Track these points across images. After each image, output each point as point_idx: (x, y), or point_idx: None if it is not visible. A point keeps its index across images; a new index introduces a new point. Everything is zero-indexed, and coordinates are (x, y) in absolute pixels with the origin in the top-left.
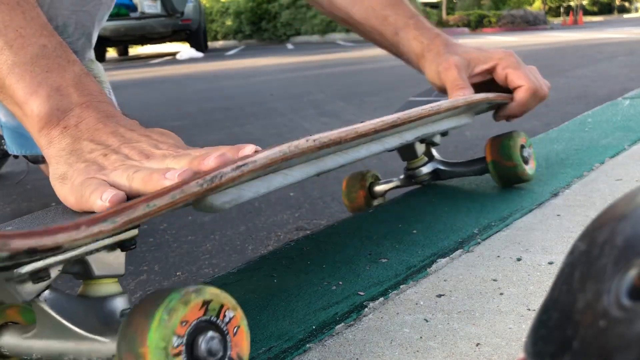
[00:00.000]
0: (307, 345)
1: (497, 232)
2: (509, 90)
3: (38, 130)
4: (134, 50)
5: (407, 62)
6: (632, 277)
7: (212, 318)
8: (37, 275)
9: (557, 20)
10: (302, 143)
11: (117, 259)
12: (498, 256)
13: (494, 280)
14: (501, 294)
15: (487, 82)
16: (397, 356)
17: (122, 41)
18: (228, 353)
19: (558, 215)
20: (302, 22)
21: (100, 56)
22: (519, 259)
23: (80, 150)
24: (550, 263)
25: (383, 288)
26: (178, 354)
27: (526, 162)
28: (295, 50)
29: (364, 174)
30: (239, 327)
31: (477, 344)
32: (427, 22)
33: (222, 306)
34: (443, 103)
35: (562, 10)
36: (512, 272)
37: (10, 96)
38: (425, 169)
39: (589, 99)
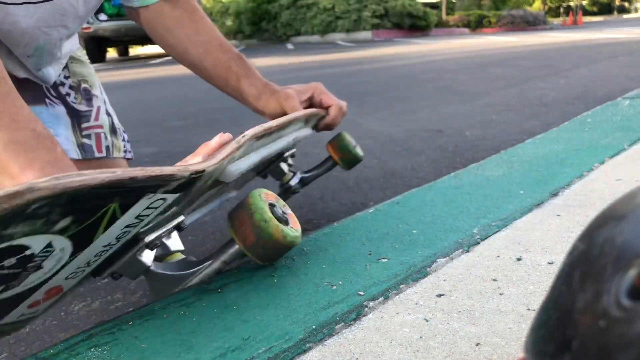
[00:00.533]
0: (307, 344)
1: (496, 232)
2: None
3: None
4: (134, 50)
5: (247, 103)
6: (631, 277)
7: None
8: (153, 244)
9: (556, 21)
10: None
11: (176, 238)
12: (498, 256)
13: (494, 280)
14: (501, 293)
15: (307, 107)
16: (397, 356)
17: (122, 41)
18: (289, 223)
19: (558, 215)
20: (302, 22)
21: (101, 56)
22: (518, 259)
23: None
24: (550, 263)
25: (383, 288)
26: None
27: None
28: (295, 50)
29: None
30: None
31: (477, 344)
32: (258, 73)
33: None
34: (290, 115)
35: (561, 10)
36: (511, 272)
37: (3, 169)
38: (294, 181)
39: (589, 99)
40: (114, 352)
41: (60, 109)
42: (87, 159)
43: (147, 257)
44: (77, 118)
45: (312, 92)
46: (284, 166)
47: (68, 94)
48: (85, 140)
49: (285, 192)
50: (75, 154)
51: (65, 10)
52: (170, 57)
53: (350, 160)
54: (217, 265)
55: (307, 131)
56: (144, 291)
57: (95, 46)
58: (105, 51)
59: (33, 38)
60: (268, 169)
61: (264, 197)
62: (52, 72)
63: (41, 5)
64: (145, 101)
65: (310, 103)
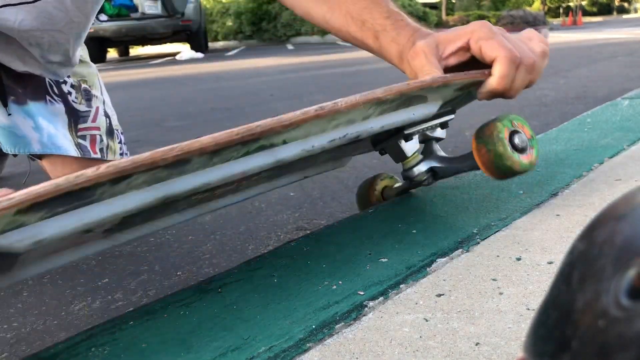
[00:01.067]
0: (307, 344)
1: (496, 231)
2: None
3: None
4: (135, 50)
5: (391, 62)
6: (631, 277)
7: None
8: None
9: (556, 21)
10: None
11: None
12: (497, 256)
13: (494, 279)
14: (501, 293)
15: (469, 62)
16: (396, 355)
17: (122, 42)
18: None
19: (557, 215)
20: (302, 22)
21: (101, 57)
22: (518, 259)
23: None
24: (550, 263)
25: (383, 287)
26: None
27: (520, 150)
28: (295, 50)
29: (377, 177)
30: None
31: (477, 344)
32: (405, 19)
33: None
34: (398, 86)
35: (561, 10)
36: (511, 272)
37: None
38: (419, 169)
39: (588, 99)
40: (114, 352)
41: (60, 107)
42: (85, 158)
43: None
44: (74, 118)
45: (467, 39)
46: (405, 146)
47: (70, 93)
48: (80, 141)
49: (407, 180)
50: (75, 152)
51: (52, 15)
52: (170, 58)
53: (501, 168)
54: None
55: (427, 109)
56: (144, 291)
57: (96, 46)
58: (105, 51)
59: (34, 39)
60: (384, 143)
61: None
62: (64, 70)
63: (22, 7)
64: (145, 101)
65: (466, 56)
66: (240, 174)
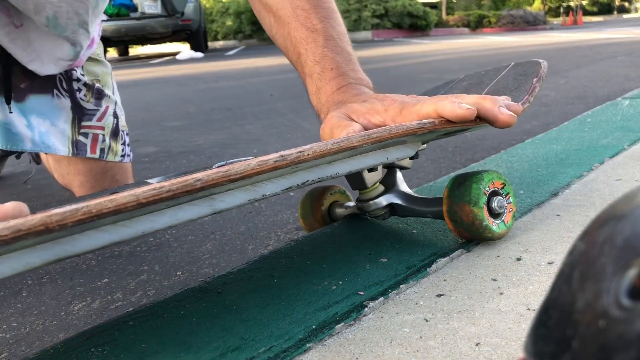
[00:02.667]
0: (307, 344)
1: None
2: None
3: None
4: (134, 50)
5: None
6: (631, 277)
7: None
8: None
9: (556, 21)
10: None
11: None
12: (498, 256)
13: (494, 280)
14: (501, 293)
15: None
16: (396, 356)
17: (122, 41)
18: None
19: (558, 215)
20: None
21: None
22: (518, 259)
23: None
24: (550, 263)
25: (383, 288)
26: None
27: (495, 215)
28: None
29: (326, 189)
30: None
31: (477, 344)
32: (337, 67)
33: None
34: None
35: (561, 10)
36: (511, 272)
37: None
38: (377, 203)
39: (589, 99)
40: (114, 352)
41: (66, 102)
42: (76, 157)
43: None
44: (79, 115)
45: (381, 120)
46: (367, 175)
47: (79, 90)
48: (80, 138)
49: (361, 210)
50: (65, 149)
51: None
52: (169, 57)
53: (469, 232)
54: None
55: (411, 151)
56: (144, 291)
57: None
58: (105, 51)
59: (39, 7)
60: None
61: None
62: (83, 50)
63: None
64: (145, 101)
65: None
66: (165, 228)
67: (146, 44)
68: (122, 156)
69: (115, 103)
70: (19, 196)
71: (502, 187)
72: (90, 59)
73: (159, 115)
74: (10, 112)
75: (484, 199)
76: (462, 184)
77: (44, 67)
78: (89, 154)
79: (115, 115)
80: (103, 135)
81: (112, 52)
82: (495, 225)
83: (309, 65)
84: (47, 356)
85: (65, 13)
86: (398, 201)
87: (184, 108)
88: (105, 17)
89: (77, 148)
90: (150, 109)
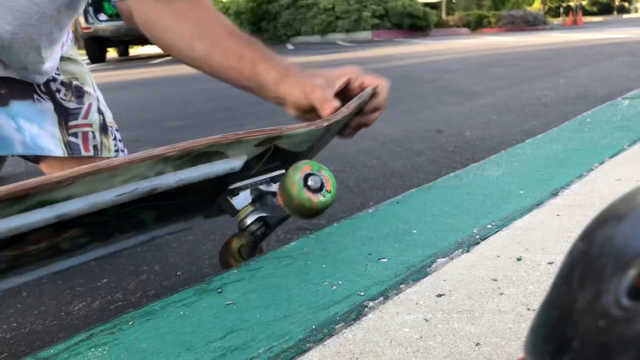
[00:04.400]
0: (307, 344)
1: (496, 232)
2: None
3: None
4: (134, 50)
5: (267, 91)
6: (631, 277)
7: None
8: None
9: (556, 21)
10: None
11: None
12: (498, 256)
13: (494, 280)
14: (501, 293)
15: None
16: (396, 355)
17: (122, 41)
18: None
19: (558, 215)
20: (302, 22)
21: (101, 57)
22: (518, 259)
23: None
24: (550, 263)
25: (383, 288)
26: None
27: (315, 190)
28: (295, 50)
29: (233, 237)
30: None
31: (477, 344)
32: (277, 56)
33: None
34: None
35: (561, 10)
36: (511, 272)
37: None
38: (247, 220)
39: (589, 99)
40: (114, 352)
41: (48, 105)
42: (73, 157)
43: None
44: (64, 115)
45: (349, 77)
46: (234, 200)
47: (58, 90)
48: (71, 139)
49: (249, 235)
50: (60, 151)
51: (22, 6)
52: (170, 57)
53: (297, 209)
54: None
55: (237, 163)
56: (144, 291)
57: (96, 46)
58: (105, 51)
59: (7, 39)
60: (218, 200)
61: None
62: (40, 75)
63: None
64: (145, 101)
65: (345, 94)
66: (9, 230)
67: (146, 44)
68: (117, 151)
69: (98, 99)
70: None
71: (312, 169)
72: (64, 59)
73: (159, 115)
74: None
75: (301, 182)
76: (284, 176)
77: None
78: (83, 153)
79: (100, 112)
80: (92, 132)
81: (112, 53)
82: (321, 197)
83: (256, 55)
84: (48, 356)
85: (20, 40)
86: (264, 214)
87: (183, 108)
88: (105, 17)
89: (71, 148)
90: (150, 109)
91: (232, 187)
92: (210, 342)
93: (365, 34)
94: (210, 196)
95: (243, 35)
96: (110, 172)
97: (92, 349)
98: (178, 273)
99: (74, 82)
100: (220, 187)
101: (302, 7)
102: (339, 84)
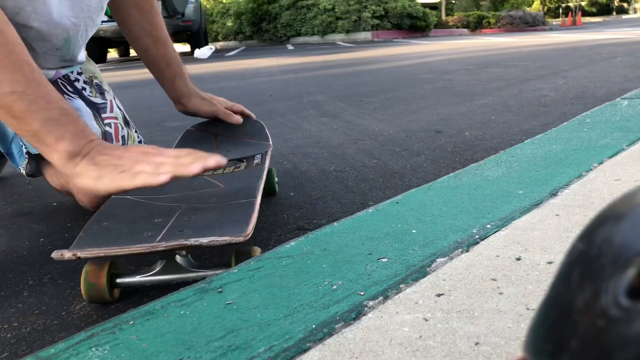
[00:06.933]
0: (307, 344)
1: (496, 231)
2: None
3: (67, 160)
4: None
5: (174, 98)
6: (630, 277)
7: None
8: None
9: (555, 21)
10: None
11: None
12: (497, 256)
13: (493, 279)
14: (500, 293)
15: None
16: (396, 355)
17: (123, 42)
18: None
19: (557, 215)
20: (302, 23)
21: (102, 57)
22: (518, 259)
23: (99, 162)
24: (549, 262)
25: (383, 287)
26: None
27: None
28: (295, 51)
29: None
30: None
31: (476, 343)
32: (188, 77)
33: None
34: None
35: (560, 11)
36: (511, 272)
37: (42, 141)
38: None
39: (588, 100)
40: (115, 351)
41: (79, 102)
42: None
43: None
44: (96, 109)
45: (231, 106)
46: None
47: (84, 88)
48: (107, 129)
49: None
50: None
51: (90, 2)
52: None
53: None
54: None
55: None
56: (144, 291)
57: (96, 47)
58: (106, 52)
59: (64, 29)
60: None
61: None
62: (77, 64)
63: None
64: (145, 101)
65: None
66: None
67: None
68: (139, 142)
69: (114, 97)
70: (20, 196)
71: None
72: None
73: (159, 116)
74: None
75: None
76: None
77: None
78: (114, 143)
79: (119, 107)
80: (120, 124)
81: (113, 53)
82: None
83: (177, 71)
84: (48, 356)
85: (79, 31)
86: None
87: None
88: (105, 18)
89: (106, 138)
90: (151, 109)
91: None
92: (210, 341)
93: (365, 35)
94: None
95: (175, 50)
96: None
97: (93, 349)
98: None
99: (94, 80)
100: None
101: (302, 8)
102: (229, 108)
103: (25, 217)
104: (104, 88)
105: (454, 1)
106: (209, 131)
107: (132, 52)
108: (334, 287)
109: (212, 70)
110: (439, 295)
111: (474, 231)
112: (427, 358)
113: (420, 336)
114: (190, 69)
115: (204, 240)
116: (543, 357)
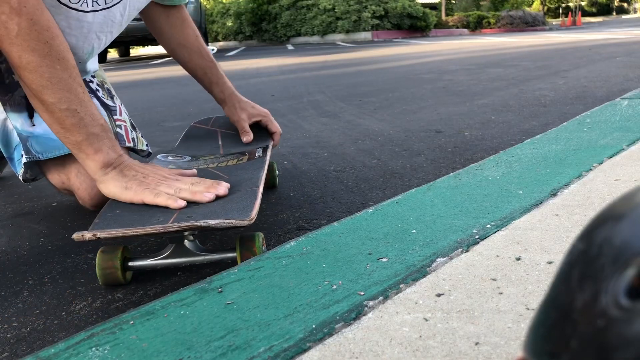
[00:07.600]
0: (307, 344)
1: (496, 231)
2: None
3: (99, 168)
4: (135, 51)
5: (215, 98)
6: (630, 277)
7: None
8: None
9: (555, 21)
10: None
11: None
12: (497, 256)
13: (493, 279)
14: (500, 293)
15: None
16: (396, 355)
17: (123, 42)
18: None
19: (557, 215)
20: (302, 23)
21: (102, 57)
22: (518, 259)
23: (127, 175)
24: (549, 262)
25: (383, 287)
26: None
27: None
28: (295, 51)
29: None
30: None
31: (476, 343)
32: (227, 81)
33: None
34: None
35: (560, 11)
36: (511, 272)
37: (83, 150)
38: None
39: (588, 100)
40: (115, 351)
41: (96, 102)
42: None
43: None
44: (108, 111)
45: (261, 117)
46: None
47: (98, 90)
48: (118, 130)
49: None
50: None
51: (115, 18)
52: (170, 58)
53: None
54: None
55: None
56: (145, 291)
57: None
58: (106, 52)
59: (89, 43)
60: None
61: None
62: (88, 73)
63: (101, 12)
64: (145, 101)
65: (255, 124)
66: None
67: (147, 44)
68: (147, 145)
69: (121, 102)
70: (20, 196)
71: None
72: None
73: (159, 116)
74: (34, 125)
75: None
76: None
77: None
78: (126, 143)
79: (126, 113)
80: (128, 127)
81: (113, 53)
82: None
83: (214, 77)
84: (48, 356)
85: (98, 46)
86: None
87: (184, 109)
88: None
89: (118, 139)
90: (151, 109)
91: None
92: (210, 341)
93: (365, 35)
94: None
95: (210, 58)
96: None
97: (93, 349)
98: (179, 273)
99: (105, 85)
100: None
101: (302, 8)
102: (254, 119)
103: (25, 217)
104: (112, 93)
105: (453, 1)
106: (212, 127)
107: (132, 52)
108: (334, 287)
109: None
110: (439, 295)
111: (474, 231)
112: (427, 358)
113: (420, 336)
114: None
115: (212, 222)
116: (543, 357)
